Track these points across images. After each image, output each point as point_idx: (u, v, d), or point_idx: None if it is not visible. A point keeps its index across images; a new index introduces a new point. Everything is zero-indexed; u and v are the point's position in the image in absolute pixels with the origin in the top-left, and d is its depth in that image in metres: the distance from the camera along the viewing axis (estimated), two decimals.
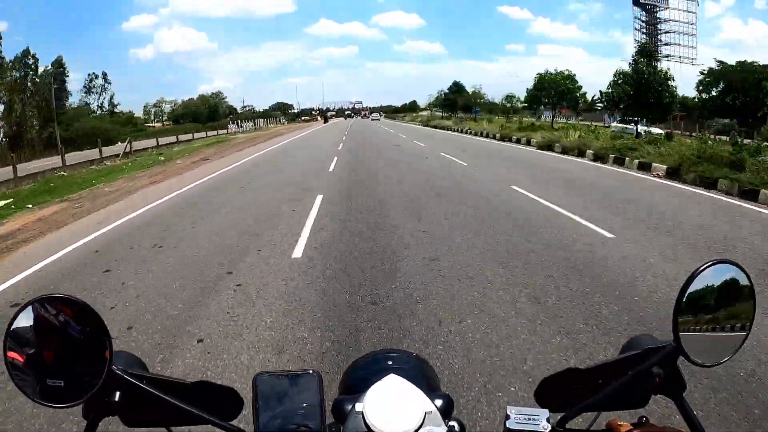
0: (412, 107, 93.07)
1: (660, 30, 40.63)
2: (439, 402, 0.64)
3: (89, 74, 55.93)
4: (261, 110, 78.88)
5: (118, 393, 0.59)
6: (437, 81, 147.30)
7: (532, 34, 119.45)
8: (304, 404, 0.64)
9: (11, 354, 0.56)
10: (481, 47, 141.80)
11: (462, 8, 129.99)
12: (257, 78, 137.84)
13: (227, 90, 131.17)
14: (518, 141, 20.02)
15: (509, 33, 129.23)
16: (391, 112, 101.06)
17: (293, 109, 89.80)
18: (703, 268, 0.61)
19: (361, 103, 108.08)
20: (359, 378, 0.80)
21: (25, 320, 0.56)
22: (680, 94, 21.13)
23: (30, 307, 0.57)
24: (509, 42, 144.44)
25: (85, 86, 54.86)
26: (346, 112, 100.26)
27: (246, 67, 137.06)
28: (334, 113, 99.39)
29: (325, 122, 57.94)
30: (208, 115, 61.34)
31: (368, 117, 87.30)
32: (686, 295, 0.61)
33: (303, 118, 77.39)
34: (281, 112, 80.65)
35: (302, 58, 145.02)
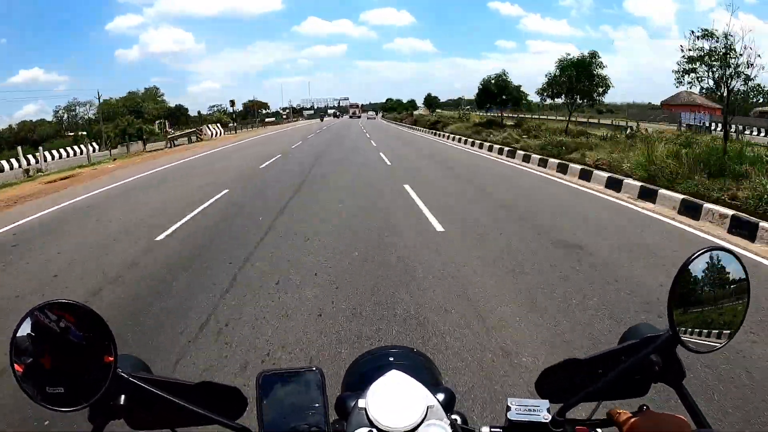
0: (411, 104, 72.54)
1: None
2: (441, 396, 0.65)
3: None
4: (232, 111, 66.63)
5: (123, 396, 0.59)
6: (428, 79, 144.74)
7: (522, 31, 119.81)
8: (308, 402, 0.64)
9: (18, 360, 0.55)
10: (471, 44, 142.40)
11: (452, 4, 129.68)
12: (246, 78, 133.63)
13: (214, 91, 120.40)
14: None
15: (500, 29, 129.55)
16: (394, 109, 76.31)
17: (267, 108, 77.34)
18: (696, 255, 0.61)
19: (347, 99, 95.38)
20: (361, 374, 0.81)
21: (30, 327, 0.56)
22: None
23: (34, 314, 0.56)
24: (500, 38, 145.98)
25: None
26: (330, 112, 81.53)
27: (234, 67, 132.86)
28: (312, 111, 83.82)
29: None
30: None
31: (359, 116, 72.99)
32: (680, 281, 0.62)
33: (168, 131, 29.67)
34: (258, 113, 67.21)
35: (291, 58, 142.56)
